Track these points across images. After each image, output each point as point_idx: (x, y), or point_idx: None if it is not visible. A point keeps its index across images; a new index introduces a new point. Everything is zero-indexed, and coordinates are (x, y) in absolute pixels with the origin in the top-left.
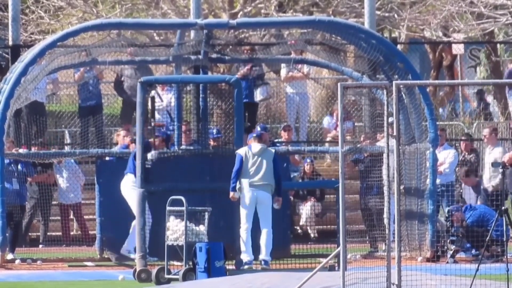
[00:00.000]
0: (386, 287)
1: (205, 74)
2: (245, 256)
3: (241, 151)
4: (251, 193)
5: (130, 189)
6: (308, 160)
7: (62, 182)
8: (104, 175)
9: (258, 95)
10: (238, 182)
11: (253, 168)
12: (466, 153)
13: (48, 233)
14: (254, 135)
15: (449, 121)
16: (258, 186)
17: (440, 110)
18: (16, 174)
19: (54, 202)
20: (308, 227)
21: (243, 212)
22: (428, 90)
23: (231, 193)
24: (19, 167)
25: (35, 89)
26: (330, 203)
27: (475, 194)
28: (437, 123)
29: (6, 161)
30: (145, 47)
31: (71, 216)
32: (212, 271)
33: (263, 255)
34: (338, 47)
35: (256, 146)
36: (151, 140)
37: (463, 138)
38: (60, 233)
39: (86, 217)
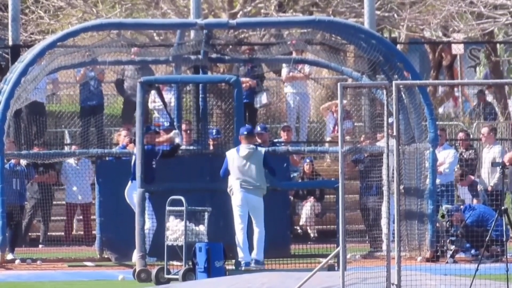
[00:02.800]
0: (386, 287)
1: (205, 74)
2: (242, 256)
3: (229, 154)
4: (242, 194)
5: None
6: (308, 160)
7: (72, 181)
8: (104, 175)
9: (258, 101)
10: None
11: (241, 171)
12: (464, 150)
13: (48, 233)
14: (245, 132)
15: (449, 121)
16: (248, 189)
17: (441, 110)
18: (16, 174)
19: (55, 202)
20: (308, 227)
21: (236, 213)
22: (428, 90)
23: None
24: (19, 167)
25: (35, 89)
26: (330, 203)
27: (470, 193)
28: (437, 123)
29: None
30: (145, 47)
31: (79, 216)
32: (211, 271)
33: (255, 254)
34: (338, 47)
35: (244, 149)
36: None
37: (460, 135)
38: (60, 233)
39: None
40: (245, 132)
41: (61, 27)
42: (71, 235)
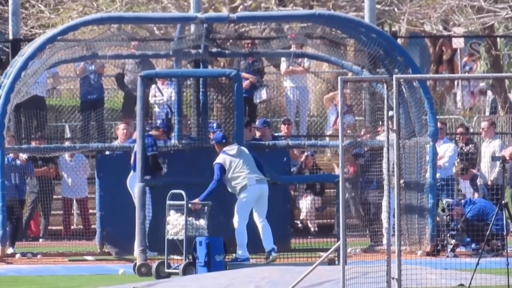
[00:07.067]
0: (386, 281)
1: (205, 68)
2: (242, 253)
3: (222, 159)
4: (259, 186)
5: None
6: (309, 154)
7: (68, 176)
8: (104, 169)
9: (257, 97)
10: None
11: (248, 167)
12: (464, 145)
13: (49, 227)
14: (223, 141)
15: (449, 114)
16: (262, 180)
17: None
18: (15, 169)
19: (55, 196)
20: (308, 221)
21: (247, 209)
22: (428, 84)
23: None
24: (18, 161)
25: (35, 83)
26: (330, 197)
27: (472, 187)
28: (437, 117)
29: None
30: (145, 41)
31: (76, 211)
32: (212, 265)
33: (269, 243)
34: (338, 41)
35: (231, 150)
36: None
37: (460, 129)
38: (60, 227)
39: None
40: (223, 141)
41: (61, 21)
42: (68, 229)
